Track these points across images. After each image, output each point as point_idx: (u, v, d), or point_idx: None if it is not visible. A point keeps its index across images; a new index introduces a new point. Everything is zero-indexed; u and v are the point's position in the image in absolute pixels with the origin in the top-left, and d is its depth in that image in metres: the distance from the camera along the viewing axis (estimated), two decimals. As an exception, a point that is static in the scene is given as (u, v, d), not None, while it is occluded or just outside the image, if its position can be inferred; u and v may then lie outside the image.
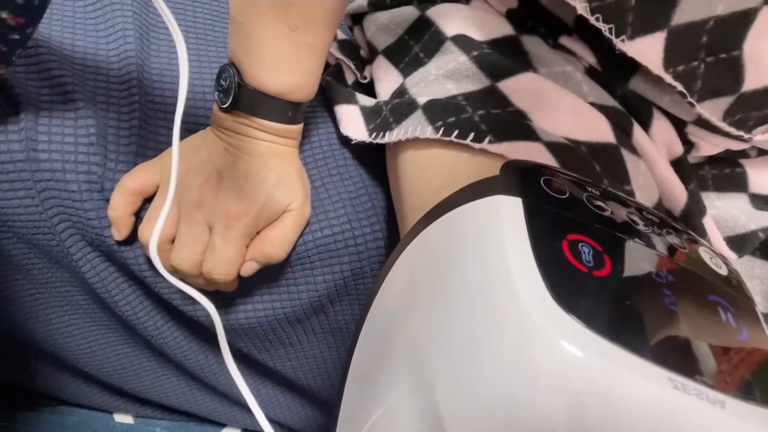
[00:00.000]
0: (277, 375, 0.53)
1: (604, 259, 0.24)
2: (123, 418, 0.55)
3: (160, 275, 0.47)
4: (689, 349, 0.22)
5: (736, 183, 0.44)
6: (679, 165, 0.42)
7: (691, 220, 0.41)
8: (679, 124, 0.41)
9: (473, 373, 0.24)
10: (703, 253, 0.27)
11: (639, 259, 0.25)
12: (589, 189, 0.28)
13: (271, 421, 0.56)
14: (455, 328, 0.26)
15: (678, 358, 0.21)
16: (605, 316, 0.22)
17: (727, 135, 0.40)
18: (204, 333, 0.50)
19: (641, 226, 0.27)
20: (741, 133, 0.39)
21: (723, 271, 0.27)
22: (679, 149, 0.42)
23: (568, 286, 0.22)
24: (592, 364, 0.21)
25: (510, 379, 0.22)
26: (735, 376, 0.22)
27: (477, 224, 0.26)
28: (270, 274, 0.46)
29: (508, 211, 0.25)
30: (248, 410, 0.56)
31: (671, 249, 0.26)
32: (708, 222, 0.42)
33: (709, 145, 0.42)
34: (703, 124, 0.40)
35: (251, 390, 0.54)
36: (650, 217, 0.28)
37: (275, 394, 0.54)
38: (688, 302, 0.24)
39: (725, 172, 0.44)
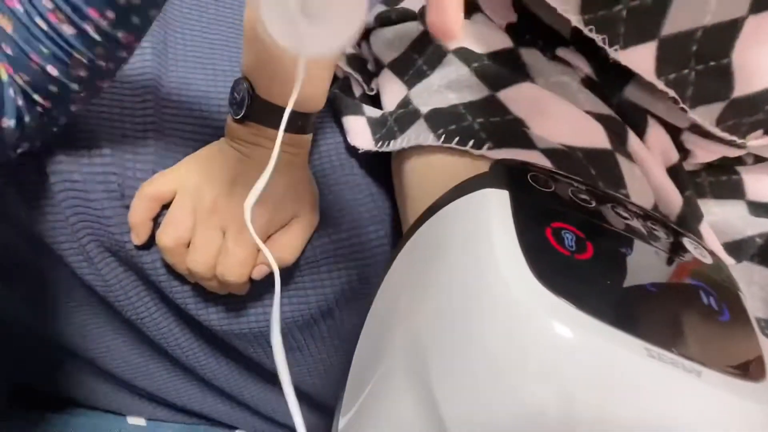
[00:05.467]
0: (286, 381, 0.54)
1: (587, 245, 0.25)
2: (135, 421, 0.56)
3: (176, 280, 0.49)
4: (667, 324, 0.23)
5: (733, 190, 0.45)
6: (675, 172, 0.43)
7: (687, 225, 0.42)
8: (674, 132, 0.43)
9: (466, 355, 0.26)
10: (688, 243, 0.29)
11: (620, 245, 0.26)
12: (575, 185, 0.29)
13: (280, 425, 0.57)
14: (448, 312, 0.27)
15: (655, 331, 0.22)
16: (584, 294, 0.23)
17: (721, 141, 0.41)
18: (215, 337, 0.51)
19: (625, 217, 0.28)
20: (734, 138, 0.40)
21: (707, 260, 0.28)
22: (674, 156, 0.43)
23: (550, 266, 0.24)
24: (572, 336, 0.22)
25: (499, 352, 0.24)
26: (713, 351, 0.23)
27: (467, 216, 0.28)
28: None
29: (495, 203, 0.27)
30: (258, 413, 0.57)
31: (654, 237, 0.28)
32: (705, 228, 0.43)
33: (704, 152, 0.43)
34: (698, 130, 0.41)
35: (260, 396, 0.56)
36: (634, 210, 0.29)
37: (283, 400, 0.56)
38: (668, 284, 0.25)
39: (722, 179, 0.45)
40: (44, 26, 0.33)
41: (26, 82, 0.35)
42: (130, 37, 0.37)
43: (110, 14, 0.33)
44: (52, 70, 0.35)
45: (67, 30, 0.33)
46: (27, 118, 0.37)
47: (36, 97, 0.36)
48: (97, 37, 0.34)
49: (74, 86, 0.37)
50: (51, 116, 0.39)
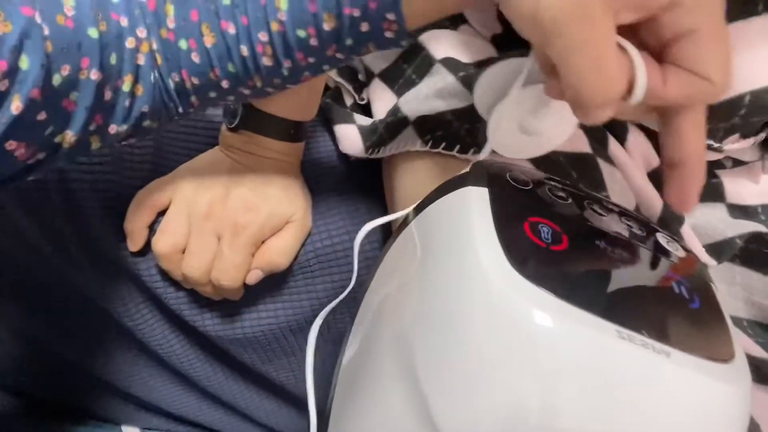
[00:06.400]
0: (280, 387, 0.55)
1: (562, 237, 0.26)
2: (130, 430, 0.57)
3: (171, 286, 0.50)
4: (638, 309, 0.24)
5: (714, 193, 0.47)
6: (656, 176, 0.45)
7: (668, 227, 0.43)
8: (654, 137, 0.44)
9: (449, 347, 0.27)
10: (661, 237, 0.30)
11: (595, 238, 0.27)
12: (552, 183, 0.31)
13: (273, 432, 0.57)
14: (432, 306, 0.28)
15: (626, 315, 0.23)
16: (559, 281, 0.24)
17: None
18: (211, 343, 0.52)
19: (600, 213, 0.29)
20: (711, 142, 0.42)
21: (680, 253, 0.29)
22: (655, 161, 0.45)
23: (527, 258, 0.25)
24: (551, 321, 0.23)
25: (481, 341, 0.25)
26: (683, 334, 0.24)
27: (449, 212, 0.29)
28: (273, 283, 0.49)
29: (475, 199, 0.28)
30: (253, 420, 0.57)
31: (627, 231, 0.29)
32: (686, 230, 0.44)
33: (684, 157, 0.44)
34: None
35: (255, 403, 0.56)
36: (610, 206, 0.31)
37: (278, 406, 0.56)
38: (641, 274, 0.26)
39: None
40: (246, 53, 0.34)
41: (194, 85, 0.36)
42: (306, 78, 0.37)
43: (311, 60, 0.34)
44: (225, 83, 0.36)
45: (266, 62, 0.34)
46: (148, 122, 0.37)
47: (193, 98, 0.37)
48: (286, 73, 0.35)
49: (231, 98, 0.38)
50: (179, 115, 0.39)
